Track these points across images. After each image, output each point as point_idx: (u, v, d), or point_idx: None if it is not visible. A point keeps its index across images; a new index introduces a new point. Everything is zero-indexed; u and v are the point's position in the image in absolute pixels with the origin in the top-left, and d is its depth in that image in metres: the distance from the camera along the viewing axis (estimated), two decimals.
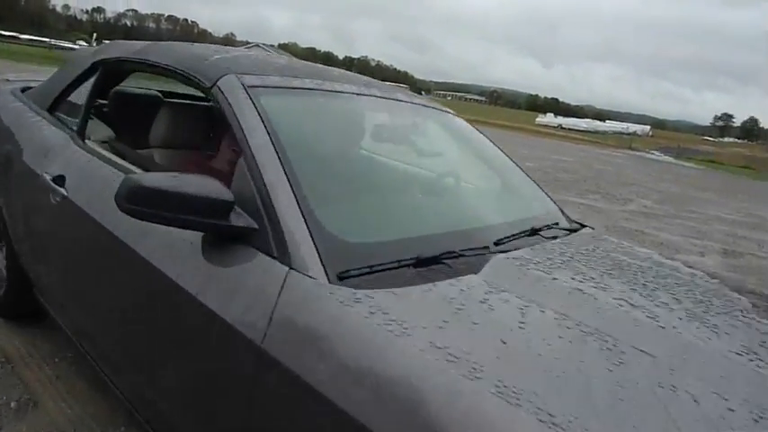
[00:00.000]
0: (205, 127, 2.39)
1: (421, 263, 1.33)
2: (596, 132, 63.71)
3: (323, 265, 1.20)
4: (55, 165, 1.95)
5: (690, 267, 1.80)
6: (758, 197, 16.42)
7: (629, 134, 64.44)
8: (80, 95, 2.22)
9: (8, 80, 3.07)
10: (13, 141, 2.28)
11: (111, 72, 2.15)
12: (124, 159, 1.91)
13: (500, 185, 2.11)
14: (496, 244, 1.58)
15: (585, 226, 2.07)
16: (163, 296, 1.41)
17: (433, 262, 1.35)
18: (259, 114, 1.47)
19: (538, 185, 2.21)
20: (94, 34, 55.40)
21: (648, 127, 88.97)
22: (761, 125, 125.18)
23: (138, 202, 1.22)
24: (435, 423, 0.87)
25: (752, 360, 1.18)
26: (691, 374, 1.06)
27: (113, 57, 2.11)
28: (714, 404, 0.99)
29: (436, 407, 0.89)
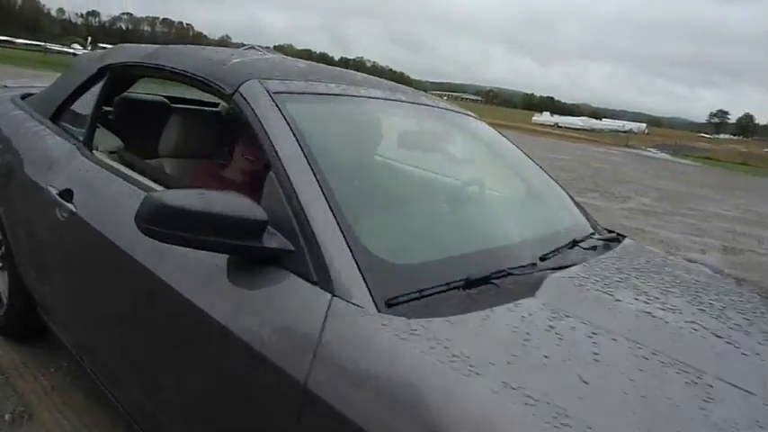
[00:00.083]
0: (215, 134, 2.26)
1: (470, 284, 1.21)
2: (592, 130, 63.75)
3: (370, 292, 1.07)
4: (61, 178, 1.82)
5: (740, 279, 1.68)
6: (756, 193, 16.42)
7: (625, 132, 64.50)
8: (85, 103, 2.09)
9: (6, 86, 2.94)
10: (14, 152, 2.15)
11: (118, 78, 2.02)
12: (134, 170, 1.79)
13: (532, 194, 1.98)
14: (542, 259, 1.47)
15: (621, 235, 1.96)
16: (184, 322, 1.28)
17: (483, 282, 1.24)
18: (287, 123, 1.34)
19: (565, 191, 2.10)
20: (89, 38, 55.06)
21: (644, 124, 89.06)
22: (756, 121, 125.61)
23: (160, 222, 1.09)
24: None
25: None
26: None
27: (121, 61, 1.98)
28: None
29: None
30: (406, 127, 1.88)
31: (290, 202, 1.19)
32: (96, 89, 2.03)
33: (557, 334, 1.06)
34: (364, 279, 1.09)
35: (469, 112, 2.21)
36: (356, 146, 1.57)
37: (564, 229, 1.75)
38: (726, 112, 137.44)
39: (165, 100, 2.80)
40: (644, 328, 1.15)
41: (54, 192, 1.76)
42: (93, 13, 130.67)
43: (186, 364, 1.31)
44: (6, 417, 1.92)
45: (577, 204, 2.07)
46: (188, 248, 1.17)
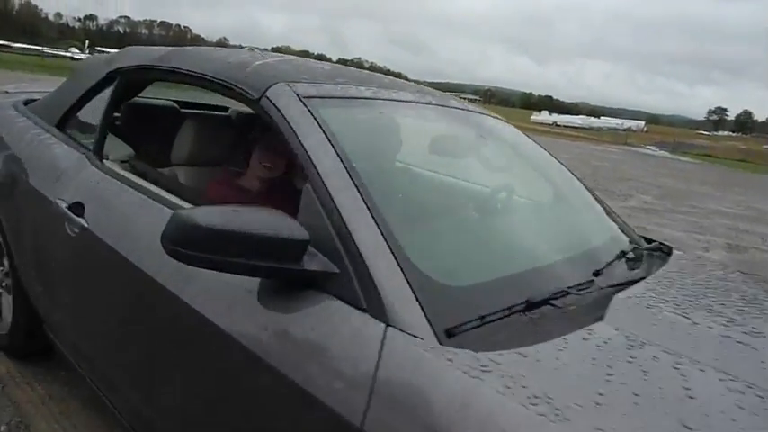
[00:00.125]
0: (228, 141, 2.13)
1: (531, 306, 1.09)
2: (591, 129, 63.69)
3: (428, 320, 0.96)
4: (70, 190, 1.70)
5: None
6: (756, 190, 16.42)
7: (623, 130, 64.46)
8: (93, 109, 1.97)
9: (8, 92, 2.81)
10: (19, 163, 2.02)
11: (129, 82, 1.90)
12: (147, 180, 1.67)
13: (570, 203, 1.86)
14: (595, 274, 1.35)
15: (663, 244, 1.85)
16: (211, 349, 1.16)
17: (543, 304, 1.12)
18: (322, 130, 1.22)
19: (600, 199, 1.98)
20: (87, 41, 54.88)
21: (643, 122, 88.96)
22: (755, 118, 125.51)
23: (190, 244, 0.97)
24: None
25: None
26: None
27: (132, 65, 1.86)
28: None
29: None
30: (441, 133, 1.75)
31: (332, 218, 1.07)
32: (105, 95, 1.91)
33: (640, 366, 0.95)
34: (420, 305, 0.97)
35: (495, 114, 2.09)
36: (396, 154, 1.45)
37: (607, 240, 1.64)
38: (724, 110, 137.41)
39: (175, 105, 2.68)
40: (731, 357, 1.03)
41: (63, 205, 1.64)
42: (91, 17, 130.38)
43: (213, 394, 1.19)
44: (2, 428, 1.88)
45: (613, 212, 1.95)
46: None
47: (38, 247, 1.86)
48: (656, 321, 1.12)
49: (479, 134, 1.81)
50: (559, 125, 63.68)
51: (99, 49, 45.58)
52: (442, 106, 1.77)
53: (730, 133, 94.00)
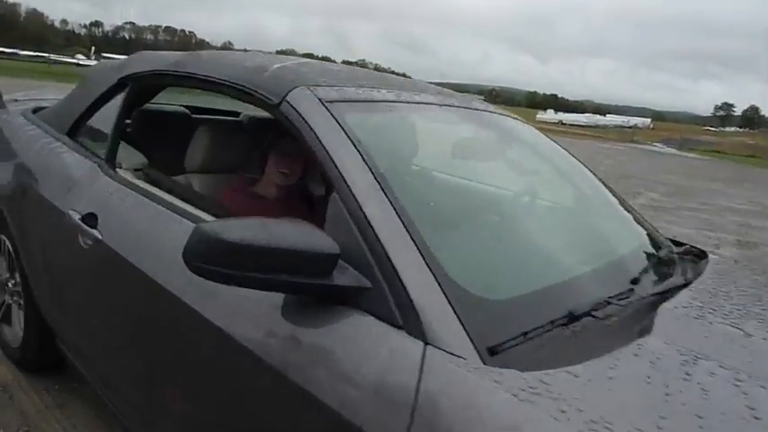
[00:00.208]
0: (242, 147, 2.08)
1: (572, 319, 1.03)
2: (597, 127, 63.31)
3: (469, 338, 0.89)
4: (83, 200, 1.65)
5: None
6: (766, 184, 16.26)
7: (630, 127, 64.08)
8: (105, 117, 1.92)
9: (16, 100, 2.77)
10: (29, 173, 1.98)
11: (141, 88, 1.85)
12: (162, 189, 1.62)
13: (598, 206, 1.78)
14: (634, 282, 1.28)
15: (693, 247, 1.78)
16: (238, 370, 1.10)
17: (584, 316, 1.06)
18: (348, 136, 1.16)
19: (623, 201, 1.91)
20: (93, 48, 55.19)
21: (649, 119, 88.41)
22: (762, 113, 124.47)
23: (215, 260, 0.92)
24: None
25: None
26: None
27: (144, 71, 1.81)
28: None
29: None
30: (468, 136, 1.69)
31: (362, 229, 1.01)
32: (117, 101, 1.86)
33: (698, 384, 0.88)
34: (461, 322, 0.91)
35: (516, 116, 2.02)
36: (425, 160, 1.39)
37: (639, 245, 1.57)
38: (731, 105, 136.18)
39: (186, 110, 2.63)
40: None
41: (76, 216, 1.59)
42: (97, 24, 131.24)
43: (241, 417, 1.13)
44: None
45: (640, 215, 1.88)
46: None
47: (50, 260, 1.81)
48: (708, 333, 1.05)
49: (504, 137, 1.74)
50: (565, 123, 63.35)
51: (105, 55, 45.82)
52: (465, 108, 1.71)
53: (737, 129, 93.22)
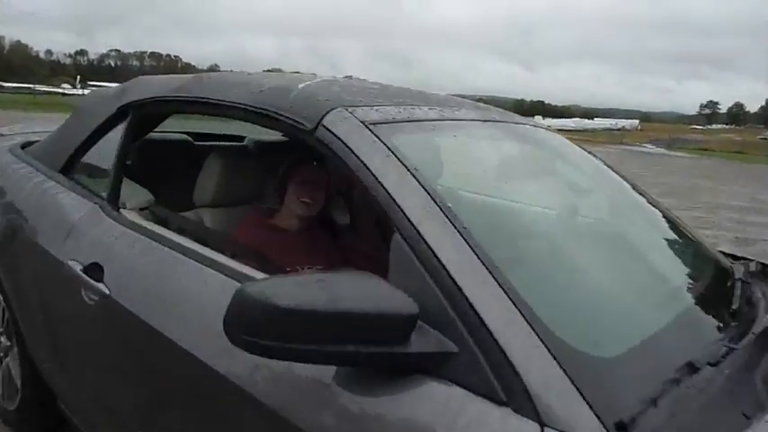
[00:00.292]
0: (254, 174, 1.89)
1: (694, 371, 0.85)
2: (585, 131, 63.69)
3: (595, 414, 0.70)
4: (84, 248, 1.45)
5: None
6: (757, 180, 16.39)
7: (618, 129, 64.49)
8: (103, 150, 1.73)
9: (2, 135, 2.57)
10: (20, 217, 1.77)
11: (143, 117, 1.66)
12: (171, 230, 1.43)
13: (670, 233, 1.58)
14: (733, 315, 1.11)
15: (762, 263, 1.61)
16: None
17: (706, 366, 0.88)
18: (402, 164, 0.98)
19: (677, 217, 1.73)
20: (78, 77, 54.94)
21: (637, 121, 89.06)
22: (747, 109, 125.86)
23: (265, 331, 0.73)
24: None
25: None
26: None
27: (146, 98, 1.62)
28: None
29: None
30: (523, 155, 1.50)
31: (438, 278, 0.82)
32: (117, 133, 1.67)
33: None
34: (580, 392, 0.72)
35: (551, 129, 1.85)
36: (486, 186, 1.21)
37: (718, 269, 1.38)
38: (716, 103, 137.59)
39: (188, 138, 2.45)
40: None
41: (77, 268, 1.38)
42: (82, 52, 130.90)
43: None
44: None
45: (694, 230, 1.70)
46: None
47: (49, 318, 1.60)
48: None
49: (556, 154, 1.56)
50: (553, 129, 63.64)
51: (91, 83, 45.65)
52: (506, 122, 1.54)
53: (724, 126, 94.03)
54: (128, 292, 1.26)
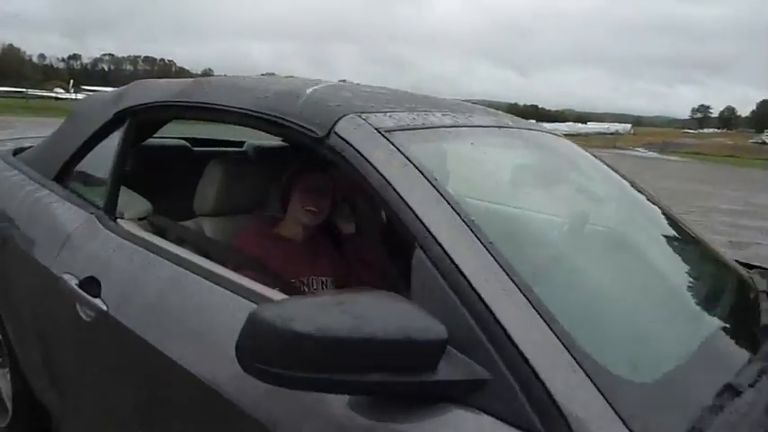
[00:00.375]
0: (254, 181, 1.82)
1: (735, 393, 0.80)
2: (578, 135, 63.99)
3: None
4: (79, 261, 1.38)
5: None
6: (747, 183, 16.68)
7: (611, 134, 64.84)
8: (99, 157, 1.66)
9: None
10: (12, 228, 1.69)
11: (142, 123, 1.59)
12: (171, 241, 1.37)
13: (692, 244, 1.53)
14: (765, 329, 1.05)
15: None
16: None
17: (748, 388, 0.82)
18: (422, 174, 0.92)
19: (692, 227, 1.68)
20: (71, 81, 54.61)
21: (630, 125, 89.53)
22: (738, 113, 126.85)
23: (282, 360, 0.66)
24: None
25: None
26: None
27: (145, 102, 1.55)
28: None
29: None
30: (543, 164, 1.44)
31: (466, 299, 0.76)
32: (114, 139, 1.60)
33: None
34: (625, 424, 0.66)
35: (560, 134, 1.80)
36: (514, 200, 1.15)
37: (740, 283, 1.33)
38: (708, 107, 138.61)
39: (186, 143, 2.38)
40: None
41: (72, 282, 1.31)
42: (75, 57, 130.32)
43: None
44: None
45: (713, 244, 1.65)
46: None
47: (42, 334, 1.52)
48: None
49: (573, 162, 1.51)
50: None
51: (84, 87, 45.40)
52: (521, 129, 1.48)
53: (715, 130, 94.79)
54: (127, 308, 1.19)
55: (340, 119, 1.04)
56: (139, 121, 1.56)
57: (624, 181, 1.62)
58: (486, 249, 0.81)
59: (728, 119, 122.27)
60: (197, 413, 1.04)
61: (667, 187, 13.54)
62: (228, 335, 0.98)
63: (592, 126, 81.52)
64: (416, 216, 0.85)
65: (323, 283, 1.66)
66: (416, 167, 0.93)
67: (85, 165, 1.70)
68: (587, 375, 0.70)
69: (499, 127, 1.36)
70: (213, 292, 1.09)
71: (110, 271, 1.29)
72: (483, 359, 0.73)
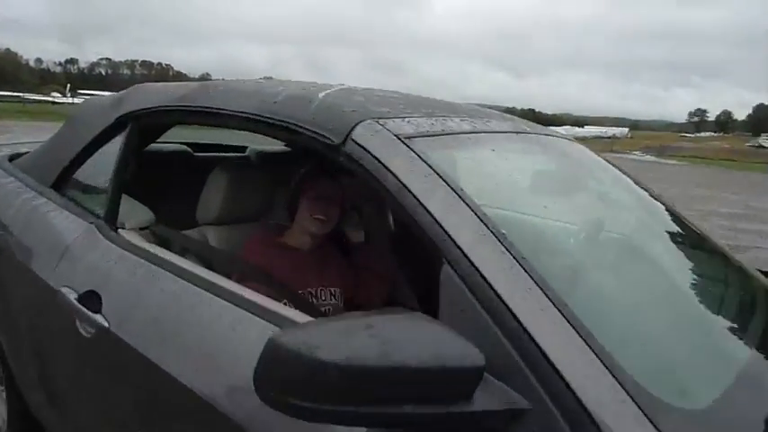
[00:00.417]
0: (259, 188, 1.76)
1: None
2: (576, 139, 63.98)
3: None
4: (79, 273, 1.31)
5: None
6: (746, 186, 16.74)
7: (608, 137, 65.01)
8: (99, 163, 1.59)
9: None
10: (7, 238, 1.63)
11: (144, 128, 1.53)
12: (175, 253, 1.30)
13: (712, 256, 1.48)
14: None
15: None
16: None
17: None
18: (447, 184, 0.86)
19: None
20: (68, 85, 54.42)
21: (627, 129, 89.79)
22: (735, 117, 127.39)
23: (307, 390, 0.60)
24: None
25: None
26: None
27: (147, 107, 1.49)
28: None
29: None
30: (567, 172, 1.39)
31: (500, 320, 0.70)
32: (115, 145, 1.54)
33: None
34: None
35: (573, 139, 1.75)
36: (537, 207, 1.09)
37: (758, 286, 1.28)
38: (704, 111, 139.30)
39: (188, 149, 2.32)
40: None
41: (71, 296, 1.25)
42: (72, 61, 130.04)
43: None
44: None
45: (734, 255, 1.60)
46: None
47: (39, 348, 1.45)
48: None
49: (595, 170, 1.46)
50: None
51: (81, 92, 45.29)
52: (538, 134, 1.43)
53: (712, 133, 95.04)
54: (129, 325, 1.13)
55: (357, 125, 0.98)
56: (142, 126, 1.50)
57: (643, 191, 1.56)
58: (520, 264, 0.75)
59: (725, 122, 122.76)
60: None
61: (666, 190, 13.58)
62: (237, 354, 0.93)
63: (589, 130, 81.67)
64: (442, 228, 0.80)
65: (331, 293, 1.60)
66: (440, 176, 0.87)
67: (85, 171, 1.64)
68: (636, 404, 0.64)
69: (517, 132, 1.31)
70: (219, 308, 1.03)
71: (111, 284, 1.22)
72: (521, 386, 0.67)
